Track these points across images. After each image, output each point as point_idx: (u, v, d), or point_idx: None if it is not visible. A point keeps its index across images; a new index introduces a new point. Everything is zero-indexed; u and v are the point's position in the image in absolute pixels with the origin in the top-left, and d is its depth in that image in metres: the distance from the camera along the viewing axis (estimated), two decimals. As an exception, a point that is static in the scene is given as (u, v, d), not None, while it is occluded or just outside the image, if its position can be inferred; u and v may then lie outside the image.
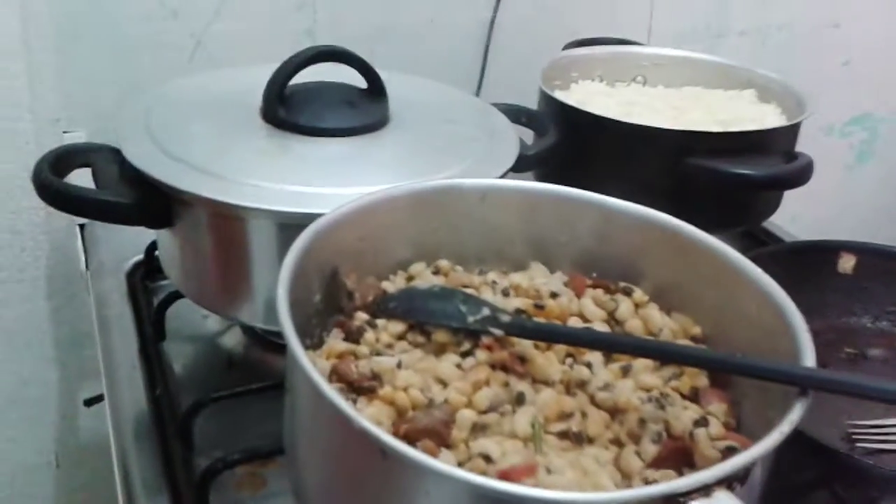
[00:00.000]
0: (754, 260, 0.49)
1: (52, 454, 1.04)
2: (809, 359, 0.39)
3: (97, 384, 0.95)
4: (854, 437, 0.55)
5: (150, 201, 0.57)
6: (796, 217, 1.00)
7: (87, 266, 0.80)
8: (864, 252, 0.66)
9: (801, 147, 0.76)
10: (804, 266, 0.65)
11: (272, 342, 0.67)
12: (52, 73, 0.85)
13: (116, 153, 0.60)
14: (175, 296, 0.66)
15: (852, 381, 0.37)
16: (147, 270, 0.74)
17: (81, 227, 0.84)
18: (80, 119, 0.87)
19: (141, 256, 0.74)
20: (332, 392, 0.36)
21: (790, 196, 0.82)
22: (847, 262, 0.66)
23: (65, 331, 0.98)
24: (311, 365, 0.37)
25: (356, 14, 0.98)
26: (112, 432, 0.58)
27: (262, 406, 0.55)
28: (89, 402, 0.89)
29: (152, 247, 0.73)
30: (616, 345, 0.46)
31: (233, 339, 0.69)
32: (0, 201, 0.88)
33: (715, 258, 0.50)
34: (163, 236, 0.63)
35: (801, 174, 0.68)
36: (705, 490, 0.32)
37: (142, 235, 0.74)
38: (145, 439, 0.58)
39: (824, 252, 0.67)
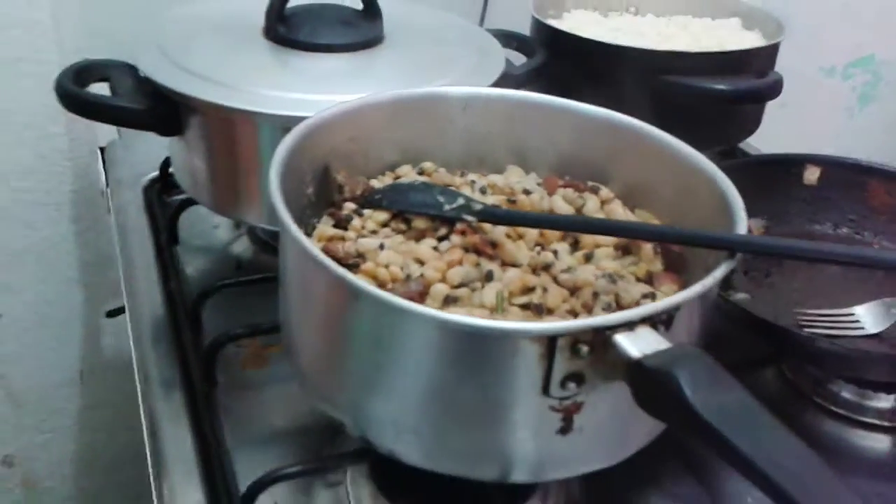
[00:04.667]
0: (723, 170, 0.52)
1: (77, 371, 1.12)
2: (741, 227, 0.44)
3: (119, 303, 1.02)
4: (803, 324, 0.59)
5: (162, 108, 0.62)
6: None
7: (107, 184, 0.85)
8: (828, 164, 0.70)
9: (801, 88, 0.79)
10: (770, 177, 0.69)
11: (276, 247, 0.73)
12: (75, 5, 0.90)
13: (131, 68, 0.66)
14: (187, 203, 0.72)
15: (774, 242, 0.42)
16: (162, 185, 0.79)
17: (102, 149, 0.90)
18: (101, 50, 0.92)
19: (156, 173, 0.80)
20: (311, 246, 0.41)
21: (790, 137, 0.84)
22: (812, 174, 0.70)
23: (89, 253, 1.04)
24: (293, 222, 0.42)
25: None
26: (132, 335, 0.64)
27: (267, 297, 0.61)
28: (111, 314, 0.96)
29: (166, 163, 0.79)
30: (569, 224, 0.51)
31: (241, 246, 0.75)
32: (27, 127, 0.94)
33: (674, 155, 0.55)
34: (174, 145, 0.68)
35: (769, 89, 0.72)
36: (629, 325, 0.38)
37: (157, 154, 0.80)
38: (163, 340, 0.64)
39: (790, 164, 0.71)
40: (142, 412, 0.59)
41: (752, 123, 0.81)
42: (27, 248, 1.00)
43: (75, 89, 0.61)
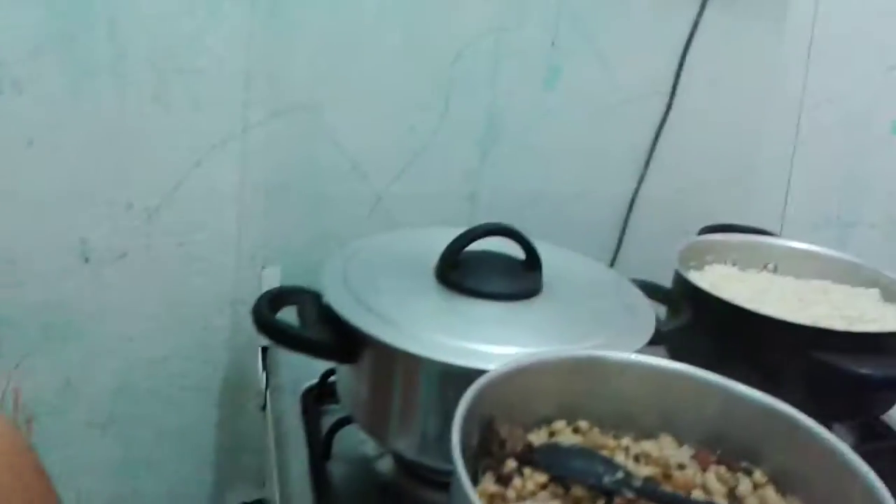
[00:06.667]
0: (866, 454, 0.54)
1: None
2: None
3: (246, 490, 1.07)
4: None
5: (343, 340, 0.69)
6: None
7: (266, 385, 0.92)
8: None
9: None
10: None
11: (419, 474, 0.76)
12: (259, 216, 1.01)
13: (317, 297, 0.73)
14: (344, 422, 0.77)
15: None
16: (319, 394, 0.85)
17: (264, 349, 0.98)
18: (274, 257, 1.02)
19: (315, 381, 0.86)
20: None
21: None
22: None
23: (227, 439, 1.11)
24: (472, 490, 0.46)
25: (514, 183, 1.11)
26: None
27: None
28: (247, 507, 1.00)
29: (325, 374, 0.85)
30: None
31: (386, 465, 0.79)
32: (194, 318, 1.04)
33: (828, 451, 0.56)
34: (343, 370, 0.74)
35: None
36: None
37: (315, 363, 0.86)
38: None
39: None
40: None
41: (892, 401, 0.81)
42: (173, 429, 1.07)
43: (270, 316, 0.69)
